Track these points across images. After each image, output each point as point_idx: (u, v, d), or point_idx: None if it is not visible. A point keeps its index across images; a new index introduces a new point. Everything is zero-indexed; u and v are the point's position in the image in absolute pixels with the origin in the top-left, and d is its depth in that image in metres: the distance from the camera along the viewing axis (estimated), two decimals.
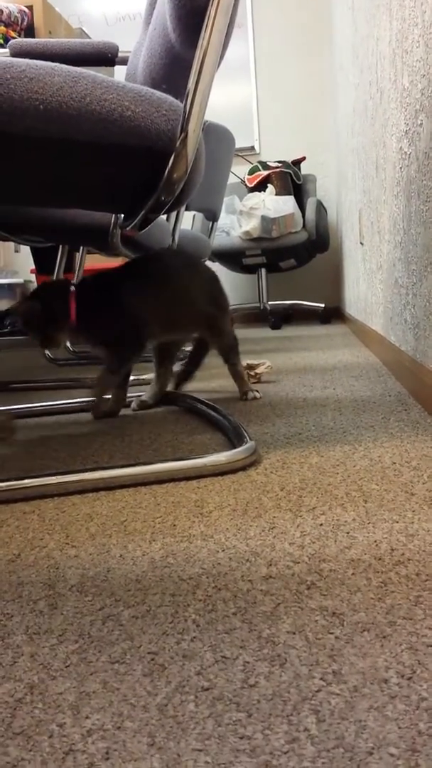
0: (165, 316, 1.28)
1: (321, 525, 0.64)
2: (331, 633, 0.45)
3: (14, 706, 0.39)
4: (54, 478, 0.82)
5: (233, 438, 0.98)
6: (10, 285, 4.44)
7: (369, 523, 0.64)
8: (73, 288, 1.24)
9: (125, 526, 0.68)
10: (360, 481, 0.77)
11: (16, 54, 1.33)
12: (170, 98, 0.82)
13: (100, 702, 0.39)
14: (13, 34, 1.89)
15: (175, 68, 0.97)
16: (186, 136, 0.79)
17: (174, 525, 0.68)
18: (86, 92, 0.77)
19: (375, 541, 0.59)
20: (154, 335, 1.30)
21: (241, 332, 3.56)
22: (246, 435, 0.95)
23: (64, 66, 0.79)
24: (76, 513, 0.74)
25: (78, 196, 1.07)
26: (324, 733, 0.35)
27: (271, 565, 0.56)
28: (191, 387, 1.54)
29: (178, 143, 0.80)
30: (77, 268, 2.76)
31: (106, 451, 1.02)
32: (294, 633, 0.45)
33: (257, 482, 0.80)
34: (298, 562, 0.56)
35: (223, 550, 0.60)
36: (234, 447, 0.93)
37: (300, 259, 3.74)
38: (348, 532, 0.62)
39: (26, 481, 0.82)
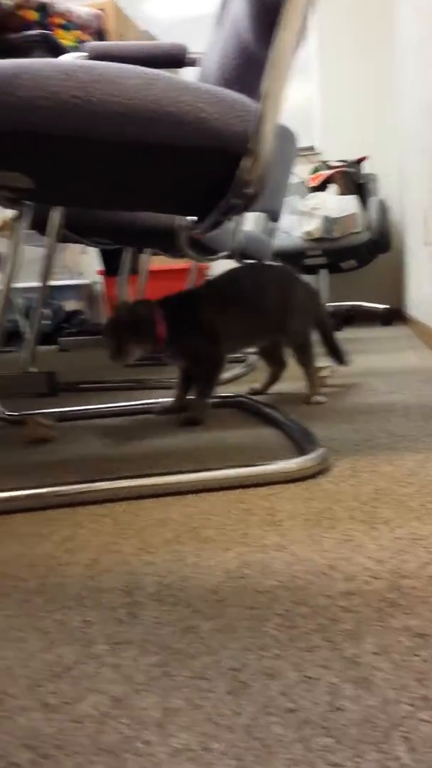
0: (241, 332, 1.36)
1: (398, 539, 0.62)
2: (417, 655, 0.43)
3: (100, 721, 0.39)
4: (126, 481, 0.83)
5: (302, 444, 0.97)
6: (77, 286, 4.52)
7: None
8: (159, 308, 1.28)
9: (198, 533, 0.68)
10: None
11: (92, 57, 1.34)
12: (245, 99, 0.82)
13: (185, 720, 0.39)
14: (86, 37, 1.92)
15: (249, 68, 0.96)
16: (260, 137, 0.78)
17: (247, 533, 0.67)
18: (163, 94, 0.77)
19: None
20: (231, 350, 1.38)
21: None
22: (316, 441, 0.93)
23: (140, 68, 0.79)
24: (149, 518, 0.74)
25: (149, 198, 1.08)
26: (417, 762, 0.34)
27: (349, 580, 0.55)
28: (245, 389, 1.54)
29: (251, 144, 0.79)
30: (142, 269, 2.79)
31: (175, 454, 1.02)
32: (378, 654, 0.44)
33: (329, 491, 0.78)
34: (378, 578, 0.55)
35: (299, 563, 0.59)
36: (303, 453, 0.92)
37: (361, 260, 3.68)
38: (426, 547, 0.60)
39: (100, 483, 0.82)
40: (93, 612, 0.53)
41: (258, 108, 0.80)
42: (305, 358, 1.41)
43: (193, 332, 1.28)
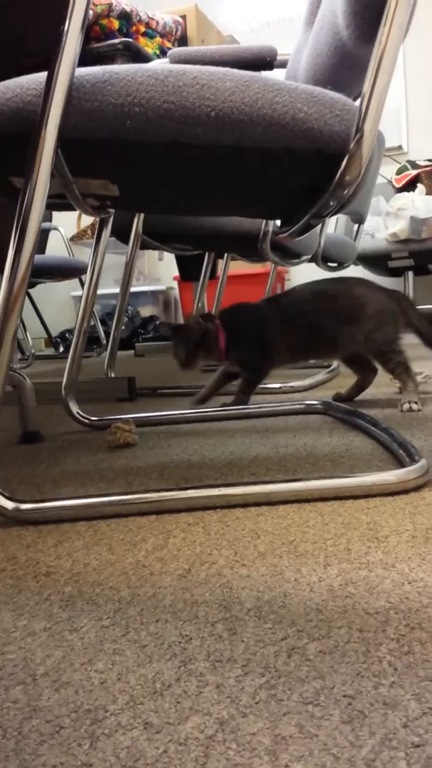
0: (298, 350, 1.47)
1: None
2: None
3: (206, 744, 0.37)
4: (216, 490, 0.81)
5: (400, 454, 0.92)
6: (153, 292, 4.58)
7: None
8: (219, 320, 1.45)
9: (295, 547, 0.65)
10: None
11: (176, 63, 1.34)
12: (343, 98, 0.79)
13: (299, 749, 0.36)
14: (168, 44, 1.93)
15: (344, 67, 0.93)
16: (362, 137, 0.75)
17: (348, 549, 0.64)
18: (258, 96, 0.75)
19: None
20: (286, 364, 1.53)
21: None
22: (416, 452, 0.89)
23: (235, 70, 0.78)
24: (242, 528, 0.72)
25: (239, 203, 1.06)
26: None
27: None
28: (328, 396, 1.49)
29: (352, 144, 0.76)
30: (221, 275, 2.79)
31: (262, 462, 0.99)
32: None
33: None
34: None
35: (409, 583, 0.55)
36: (401, 464, 0.87)
37: None
38: None
39: (189, 491, 0.81)
40: (190, 626, 0.51)
41: (358, 107, 0.77)
42: (390, 365, 1.37)
43: (249, 346, 1.43)
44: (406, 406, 1.33)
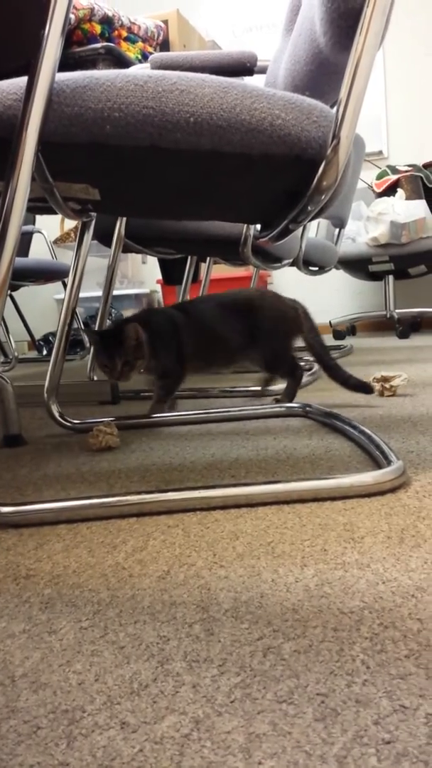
0: (206, 356, 1.49)
1: None
2: None
3: (182, 743, 0.38)
4: (197, 492, 0.81)
5: (377, 456, 0.93)
6: (136, 295, 4.58)
7: None
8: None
9: (273, 548, 0.66)
10: None
11: (158, 68, 1.35)
12: (320, 104, 0.80)
13: (272, 747, 0.37)
14: (149, 49, 1.93)
15: (322, 74, 0.94)
16: (338, 143, 0.76)
17: (325, 550, 0.64)
18: (236, 102, 0.76)
19: None
20: (198, 371, 1.52)
21: (367, 341, 3.48)
22: (392, 454, 0.90)
23: (213, 77, 0.78)
24: (221, 530, 0.72)
25: (218, 207, 1.07)
26: None
27: None
28: (321, 397, 1.51)
29: (329, 150, 0.77)
30: (204, 278, 2.79)
31: (242, 465, 1.00)
32: None
33: (410, 507, 0.75)
34: None
35: (384, 583, 0.56)
36: (379, 466, 0.89)
37: (431, 265, 3.59)
38: None
39: (170, 494, 0.81)
40: (168, 627, 0.52)
41: (335, 113, 0.78)
42: (276, 374, 1.53)
43: (169, 352, 1.42)
44: (275, 398, 1.48)
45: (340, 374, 1.44)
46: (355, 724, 0.38)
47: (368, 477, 0.82)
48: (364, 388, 1.42)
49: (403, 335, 3.52)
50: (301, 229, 2.00)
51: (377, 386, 1.58)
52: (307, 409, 1.38)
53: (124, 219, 1.85)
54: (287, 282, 4.36)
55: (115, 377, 1.35)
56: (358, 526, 0.70)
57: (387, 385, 1.56)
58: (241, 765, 0.36)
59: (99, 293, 2.16)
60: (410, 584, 0.55)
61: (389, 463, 0.86)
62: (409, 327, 3.57)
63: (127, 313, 4.42)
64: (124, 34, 2.01)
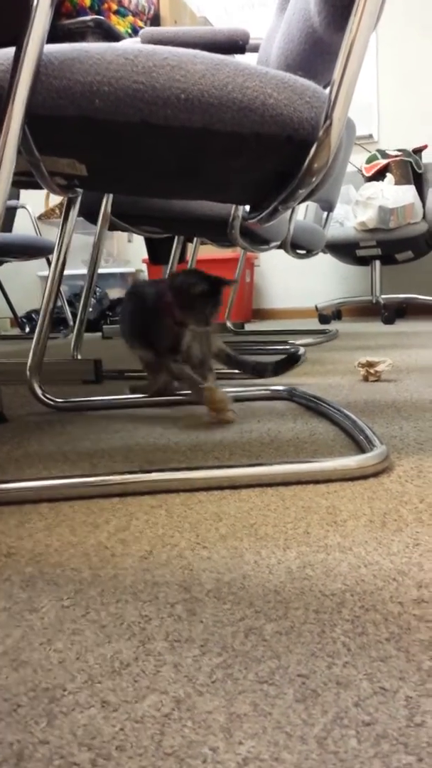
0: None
1: None
2: None
3: (162, 722, 0.38)
4: (180, 473, 0.81)
5: (361, 441, 0.94)
6: (122, 274, 4.55)
7: None
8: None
9: (255, 530, 0.66)
10: None
11: (147, 42, 1.32)
12: (314, 85, 0.79)
13: (253, 727, 0.37)
14: (140, 23, 1.90)
15: (315, 54, 0.93)
16: (330, 125, 0.76)
17: (307, 533, 0.65)
18: (228, 80, 0.75)
19: None
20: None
21: (352, 326, 3.49)
22: (376, 438, 0.90)
23: (205, 53, 0.77)
24: (204, 511, 0.72)
25: (208, 187, 1.06)
26: None
27: (421, 587, 0.52)
28: (306, 382, 1.51)
29: (321, 132, 0.76)
30: (191, 258, 2.78)
31: (227, 447, 1.00)
32: None
33: (392, 491, 0.75)
34: None
35: (366, 566, 0.56)
36: (362, 450, 0.89)
37: (418, 251, 3.60)
38: None
39: (153, 474, 0.81)
40: (150, 607, 0.52)
41: (327, 94, 0.77)
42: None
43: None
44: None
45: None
46: (335, 705, 0.38)
47: (352, 461, 0.82)
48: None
49: (388, 321, 3.54)
50: (289, 211, 1.99)
51: (362, 371, 1.59)
52: (293, 392, 1.38)
53: (111, 196, 1.83)
54: (274, 265, 4.35)
55: (204, 324, 1.26)
56: (341, 510, 0.70)
57: (372, 371, 1.57)
58: (222, 745, 0.36)
59: (84, 271, 2.14)
60: (392, 568, 0.56)
61: (373, 447, 0.87)
62: (394, 313, 3.59)
63: (113, 292, 4.39)
64: (114, 7, 1.97)
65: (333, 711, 0.38)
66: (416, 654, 0.43)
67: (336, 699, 0.39)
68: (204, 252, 3.35)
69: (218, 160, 0.88)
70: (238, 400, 1.40)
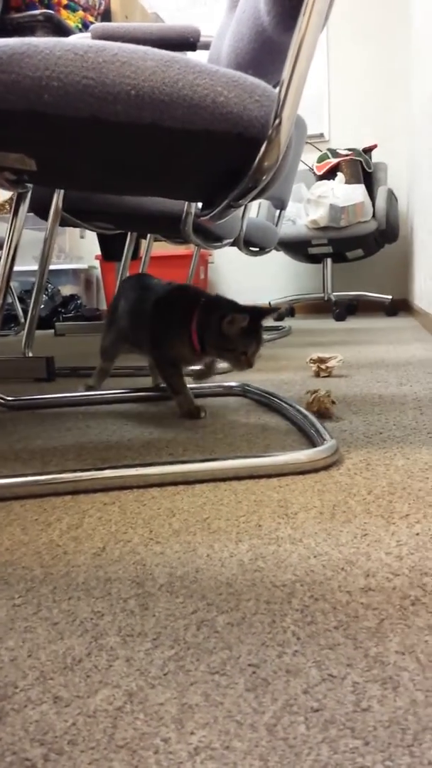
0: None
1: (417, 534, 0.61)
2: None
3: (115, 716, 0.38)
4: (134, 470, 0.81)
5: (312, 435, 0.95)
6: (74, 270, 4.50)
7: None
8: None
9: (209, 524, 0.67)
10: None
11: (98, 38, 1.31)
12: (264, 84, 0.80)
13: (204, 717, 0.37)
14: (90, 18, 1.88)
15: (265, 53, 0.94)
16: (280, 123, 0.76)
17: (259, 525, 0.66)
18: (179, 77, 0.75)
19: None
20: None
21: (305, 323, 3.53)
22: (326, 433, 0.92)
23: (156, 50, 0.77)
24: (157, 507, 0.73)
25: (160, 183, 1.06)
26: None
27: (369, 576, 0.54)
28: (259, 378, 1.52)
29: (271, 130, 0.77)
30: (144, 255, 2.77)
31: (180, 443, 1.00)
32: (403, 654, 0.42)
33: (342, 484, 0.77)
34: (398, 575, 0.53)
35: (315, 557, 0.58)
36: (313, 445, 0.90)
37: (368, 250, 3.66)
38: None
39: (106, 471, 0.81)
40: (102, 603, 0.52)
41: (277, 93, 0.78)
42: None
43: None
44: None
45: None
46: (285, 693, 0.39)
47: (302, 455, 0.84)
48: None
49: (339, 317, 3.59)
50: (242, 209, 2.00)
51: (314, 367, 1.61)
52: (246, 388, 1.39)
53: (62, 191, 1.81)
54: (229, 262, 4.36)
55: (249, 365, 1.11)
56: (292, 503, 0.71)
57: (323, 366, 1.59)
58: (173, 735, 0.36)
59: (35, 267, 2.11)
60: (340, 558, 0.57)
61: (323, 441, 0.88)
62: (345, 310, 3.64)
63: (65, 289, 4.34)
64: (65, 1, 1.95)
65: (283, 699, 0.39)
66: (363, 641, 0.44)
67: (286, 687, 0.40)
68: (158, 248, 3.34)
69: (170, 156, 0.88)
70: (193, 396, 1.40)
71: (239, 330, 1.07)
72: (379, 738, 0.35)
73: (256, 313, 1.09)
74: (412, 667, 0.41)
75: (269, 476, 0.81)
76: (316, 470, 0.82)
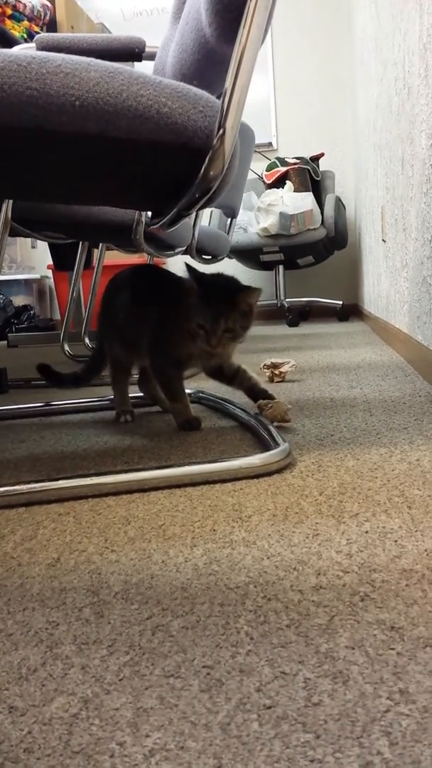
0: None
1: (366, 532, 0.63)
2: (392, 649, 0.43)
3: (70, 722, 0.38)
4: (88, 479, 0.81)
5: (265, 439, 0.97)
6: (26, 280, 4.45)
7: (417, 531, 0.62)
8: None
9: (164, 531, 0.67)
10: (401, 486, 0.76)
11: (43, 49, 1.31)
12: (207, 94, 0.81)
13: (159, 719, 0.38)
14: (36, 28, 1.88)
15: (209, 64, 0.95)
16: (224, 133, 0.78)
17: (214, 530, 0.66)
18: (123, 88, 0.76)
19: (426, 550, 0.58)
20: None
21: (259, 329, 3.56)
22: (278, 437, 0.93)
23: (99, 61, 0.78)
24: (112, 516, 0.73)
25: (107, 193, 1.06)
26: (398, 756, 0.33)
27: (320, 574, 0.55)
28: (212, 387, 1.53)
29: (215, 140, 0.78)
30: (97, 264, 2.76)
31: (136, 451, 1.01)
32: (353, 648, 0.43)
33: (294, 486, 0.78)
34: (348, 572, 0.55)
35: (268, 558, 0.59)
36: (267, 449, 0.92)
37: (318, 256, 3.71)
38: (396, 540, 0.60)
39: (60, 482, 0.81)
40: (57, 612, 0.52)
41: (221, 104, 0.79)
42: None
43: None
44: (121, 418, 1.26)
45: None
46: (238, 692, 0.40)
47: (256, 459, 0.85)
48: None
49: (292, 323, 3.63)
50: (193, 217, 2.01)
51: (267, 373, 1.63)
52: (200, 395, 1.40)
53: (11, 201, 1.79)
54: (183, 271, 4.37)
55: (210, 344, 1.02)
56: (246, 506, 0.72)
57: (276, 372, 1.61)
58: (129, 739, 0.36)
59: None
60: (293, 558, 0.58)
61: (276, 445, 0.90)
62: (298, 315, 3.68)
63: (18, 299, 4.29)
64: (9, 11, 1.94)
65: (236, 698, 0.39)
66: (314, 638, 0.45)
67: (239, 686, 0.40)
68: (111, 257, 3.33)
69: (116, 166, 0.88)
70: (147, 404, 1.40)
71: (195, 301, 1.02)
72: (330, 731, 0.36)
73: (213, 282, 1.02)
74: (362, 660, 0.42)
75: (224, 481, 0.82)
76: (269, 473, 0.83)
